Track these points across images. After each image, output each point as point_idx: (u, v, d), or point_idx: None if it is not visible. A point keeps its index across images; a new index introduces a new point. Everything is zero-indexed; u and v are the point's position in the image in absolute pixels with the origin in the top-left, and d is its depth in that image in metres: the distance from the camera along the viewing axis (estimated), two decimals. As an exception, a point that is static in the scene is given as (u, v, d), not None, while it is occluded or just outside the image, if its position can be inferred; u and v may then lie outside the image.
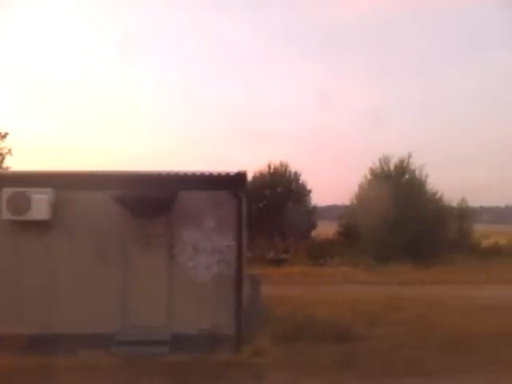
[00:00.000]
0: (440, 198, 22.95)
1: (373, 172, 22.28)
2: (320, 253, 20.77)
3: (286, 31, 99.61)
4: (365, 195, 22.43)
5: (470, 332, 7.96)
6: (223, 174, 7.25)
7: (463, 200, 22.35)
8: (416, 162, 22.67)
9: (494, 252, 21.84)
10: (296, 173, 26.17)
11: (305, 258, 19.85)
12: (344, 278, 15.79)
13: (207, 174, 7.27)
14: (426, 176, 22.75)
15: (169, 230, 7.17)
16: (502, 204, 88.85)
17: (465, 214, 22.25)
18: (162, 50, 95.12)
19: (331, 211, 33.88)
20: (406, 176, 21.95)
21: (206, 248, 7.17)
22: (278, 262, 19.42)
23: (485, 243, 24.01)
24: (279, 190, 25.82)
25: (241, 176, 7.22)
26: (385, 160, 22.25)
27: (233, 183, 7.17)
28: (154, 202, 7.06)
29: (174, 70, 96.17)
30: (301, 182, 26.32)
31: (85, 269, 7.07)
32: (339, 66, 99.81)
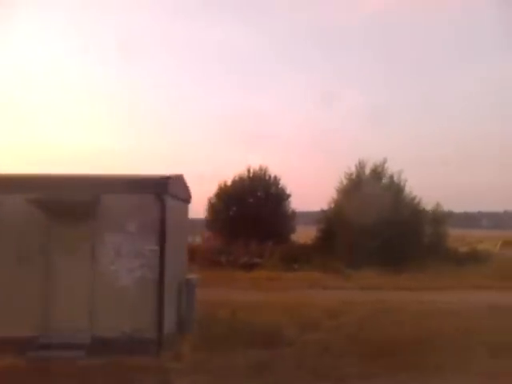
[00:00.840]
0: (418, 203, 22.96)
1: (348, 177, 22.26)
2: (294, 257, 20.66)
3: (286, 34, 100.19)
4: (340, 200, 22.42)
5: (404, 337, 7.95)
6: (147, 177, 7.24)
7: (438, 205, 22.29)
8: (393, 167, 22.82)
9: (470, 257, 21.76)
10: (275, 177, 26.13)
11: (278, 263, 19.75)
12: (310, 283, 15.69)
13: (130, 176, 7.25)
14: (405, 181, 22.82)
15: (92, 234, 7.13)
16: (500, 209, 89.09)
17: (439, 219, 22.16)
18: (161, 54, 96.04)
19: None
20: (383, 181, 21.90)
21: (129, 252, 7.13)
22: (250, 267, 19.35)
23: (463, 248, 24.01)
24: (258, 194, 25.75)
25: (165, 179, 7.19)
26: (360, 165, 22.23)
27: (157, 187, 7.14)
28: (76, 205, 7.05)
29: (172, 73, 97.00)
30: (280, 186, 26.23)
31: (6, 272, 7.03)
32: (339, 68, 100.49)
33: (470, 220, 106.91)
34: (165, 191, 7.11)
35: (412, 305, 11.24)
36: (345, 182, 22.36)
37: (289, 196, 26.25)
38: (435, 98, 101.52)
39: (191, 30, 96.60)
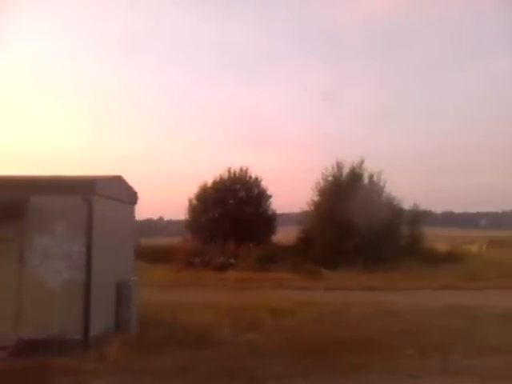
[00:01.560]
0: (397, 204, 22.95)
1: (325, 178, 22.26)
2: (271, 258, 20.68)
3: (287, 34, 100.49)
4: (319, 201, 22.42)
5: (343, 338, 7.93)
6: (75, 178, 7.25)
7: (415, 205, 22.29)
8: (372, 168, 22.81)
9: (448, 258, 21.77)
10: (256, 178, 26.15)
11: (255, 264, 19.74)
12: (278, 284, 15.71)
13: (59, 178, 7.26)
14: (384, 181, 22.83)
15: (20, 235, 7.15)
16: (498, 210, 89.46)
17: (416, 219, 22.15)
18: (164, 53, 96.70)
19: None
20: (361, 182, 21.91)
21: (57, 253, 7.14)
22: (223, 267, 19.37)
23: (443, 249, 24.00)
24: (239, 195, 25.77)
25: (91, 181, 7.20)
26: (338, 166, 22.24)
27: (83, 188, 7.16)
28: (4, 205, 7.05)
29: (176, 72, 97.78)
30: (262, 187, 26.25)
31: None
32: (341, 68, 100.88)
33: (469, 220, 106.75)
34: (92, 192, 7.12)
35: (368, 305, 11.22)
36: (322, 182, 22.36)
37: (270, 197, 26.30)
38: (436, 99, 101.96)
39: (191, 29, 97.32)
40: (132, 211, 9.34)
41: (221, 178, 25.79)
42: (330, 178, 22.06)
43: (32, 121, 73.98)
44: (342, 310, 10.45)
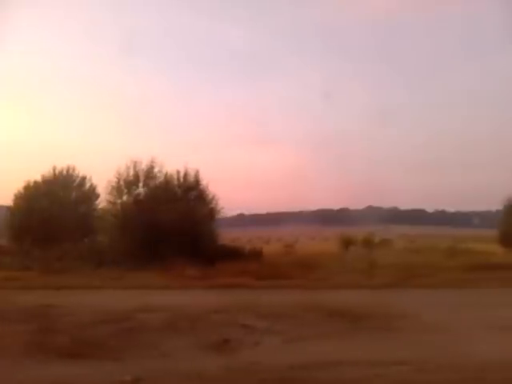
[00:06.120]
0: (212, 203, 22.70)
1: (119, 177, 21.79)
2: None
3: (287, 32, 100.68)
4: (110, 200, 22.09)
5: None
6: None
7: (216, 204, 22.21)
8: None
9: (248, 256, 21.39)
10: (84, 177, 25.78)
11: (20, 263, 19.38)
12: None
13: None
14: (197, 181, 22.62)
15: None
16: (492, 208, 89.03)
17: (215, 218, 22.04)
18: (163, 51, 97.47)
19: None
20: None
21: None
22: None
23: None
24: (63, 194, 25.43)
25: None
26: (134, 164, 21.83)
27: None
28: None
29: (174, 71, 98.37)
30: (91, 186, 25.89)
31: None
32: (342, 68, 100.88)
33: (462, 219, 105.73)
34: None
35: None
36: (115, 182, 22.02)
37: (98, 196, 25.91)
38: (435, 99, 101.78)
39: (190, 29, 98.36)
40: None
41: (46, 178, 25.43)
42: (126, 177, 21.68)
43: (32, 120, 74.96)
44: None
